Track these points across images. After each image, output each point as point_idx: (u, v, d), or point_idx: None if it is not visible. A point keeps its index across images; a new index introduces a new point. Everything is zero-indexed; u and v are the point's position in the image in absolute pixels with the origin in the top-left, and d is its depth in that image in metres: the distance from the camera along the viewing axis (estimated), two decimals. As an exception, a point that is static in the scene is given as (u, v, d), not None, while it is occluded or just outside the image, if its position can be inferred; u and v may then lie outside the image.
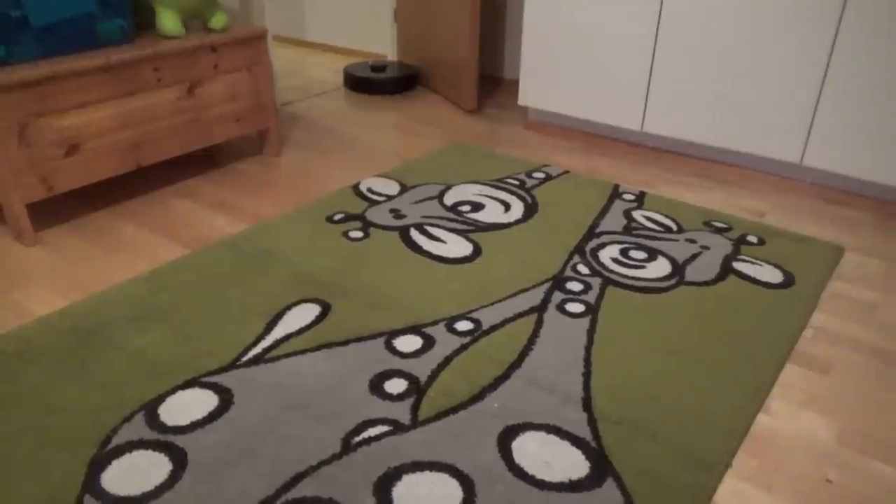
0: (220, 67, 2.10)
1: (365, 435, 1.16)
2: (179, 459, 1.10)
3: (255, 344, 1.39)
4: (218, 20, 2.10)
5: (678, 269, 1.70)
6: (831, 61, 2.01)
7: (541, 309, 1.52)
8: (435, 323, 1.46)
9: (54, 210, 1.99)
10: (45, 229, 1.89)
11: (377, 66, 3.27)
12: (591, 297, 1.57)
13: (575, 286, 1.61)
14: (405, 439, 1.15)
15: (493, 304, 1.54)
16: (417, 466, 1.10)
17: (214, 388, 1.26)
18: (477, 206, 2.01)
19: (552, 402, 1.24)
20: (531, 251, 1.77)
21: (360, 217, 1.93)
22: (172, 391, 1.25)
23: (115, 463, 1.10)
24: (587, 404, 1.24)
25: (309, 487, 1.05)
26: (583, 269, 1.69)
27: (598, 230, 1.89)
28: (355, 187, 2.13)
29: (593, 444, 1.15)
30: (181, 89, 2.01)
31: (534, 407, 1.23)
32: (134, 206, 2.02)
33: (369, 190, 2.11)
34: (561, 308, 1.53)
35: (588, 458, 1.12)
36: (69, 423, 1.18)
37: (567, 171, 2.28)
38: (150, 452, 1.12)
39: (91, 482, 1.06)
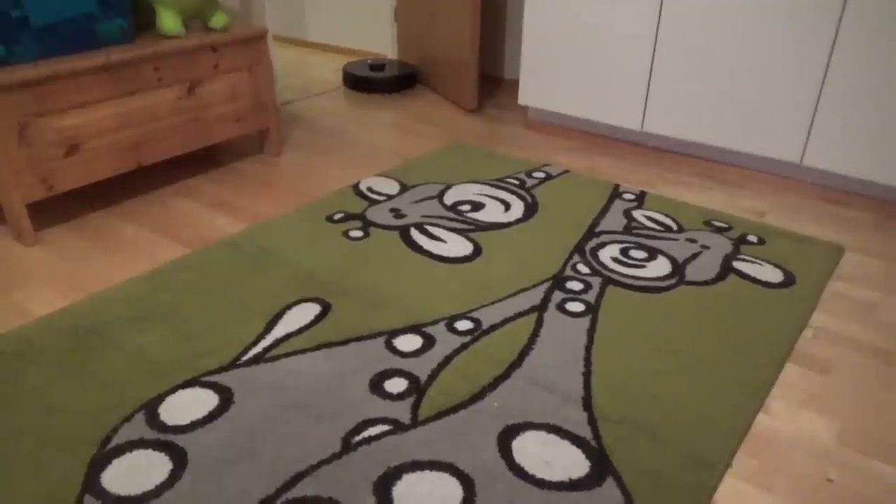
0: (220, 67, 2.10)
1: (365, 434, 1.16)
2: (180, 459, 1.10)
3: (255, 343, 1.39)
4: (218, 20, 2.10)
5: (678, 268, 1.70)
6: (831, 61, 2.01)
7: (541, 308, 1.52)
8: (435, 322, 1.46)
9: (54, 210, 1.99)
10: (45, 229, 1.89)
11: (376, 65, 3.28)
12: (591, 296, 1.57)
13: (575, 285, 1.61)
14: (405, 439, 1.15)
15: (493, 303, 1.54)
16: (417, 466, 1.10)
17: (214, 387, 1.26)
18: (477, 206, 2.01)
19: (552, 401, 1.24)
20: (531, 251, 1.77)
21: (361, 216, 1.93)
22: (173, 391, 1.25)
23: (115, 462, 1.10)
24: (587, 404, 1.24)
25: (309, 487, 1.05)
26: (583, 268, 1.69)
27: (598, 230, 1.89)
28: (355, 187, 2.13)
29: (593, 443, 1.15)
30: (181, 89, 2.01)
31: (534, 406, 1.23)
32: (134, 206, 2.02)
33: (369, 189, 2.11)
34: (561, 307, 1.53)
35: (588, 457, 1.12)
36: (69, 422, 1.18)
37: (567, 171, 2.28)
38: (150, 452, 1.12)
39: (91, 482, 1.06)
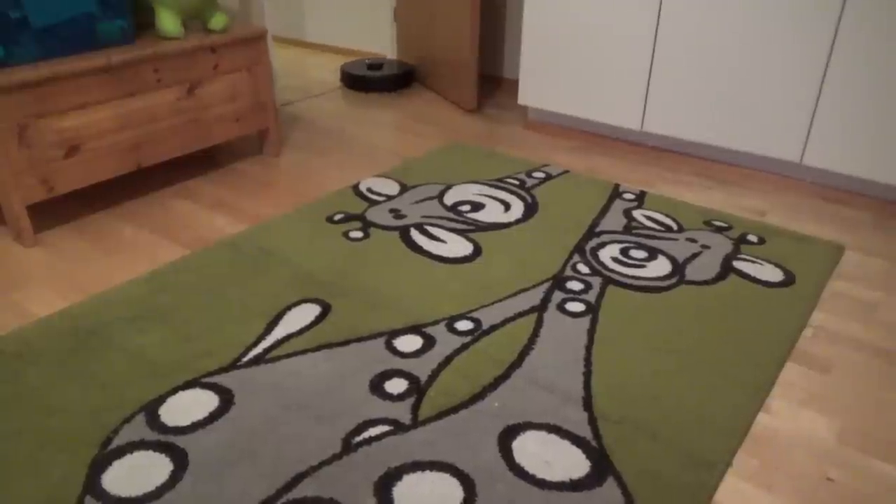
0: (219, 68, 2.10)
1: (365, 435, 1.16)
2: (180, 460, 1.10)
3: (255, 344, 1.39)
4: (218, 21, 2.10)
5: (678, 268, 1.70)
6: (831, 60, 2.01)
7: (541, 308, 1.52)
8: (435, 323, 1.46)
9: (54, 211, 1.99)
10: (45, 230, 1.89)
11: (374, 65, 3.29)
12: (591, 296, 1.57)
13: (575, 285, 1.61)
14: (406, 439, 1.15)
15: (493, 303, 1.54)
16: (418, 466, 1.10)
17: (215, 388, 1.26)
18: (477, 206, 2.01)
19: (553, 401, 1.24)
20: (531, 251, 1.77)
21: (360, 217, 1.93)
22: (173, 392, 1.25)
23: (115, 464, 1.10)
24: (587, 404, 1.24)
25: (309, 487, 1.05)
26: (583, 268, 1.69)
27: (598, 229, 1.89)
28: (355, 187, 2.13)
29: (594, 443, 1.15)
30: (181, 90, 2.02)
31: (534, 406, 1.23)
32: (134, 207, 2.02)
33: (369, 190, 2.11)
34: (561, 307, 1.53)
35: (588, 457, 1.12)
36: (69, 423, 1.18)
37: (567, 171, 2.28)
38: (150, 453, 1.12)
39: (92, 483, 1.06)
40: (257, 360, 1.34)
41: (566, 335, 1.43)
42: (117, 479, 1.07)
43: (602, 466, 1.10)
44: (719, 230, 1.89)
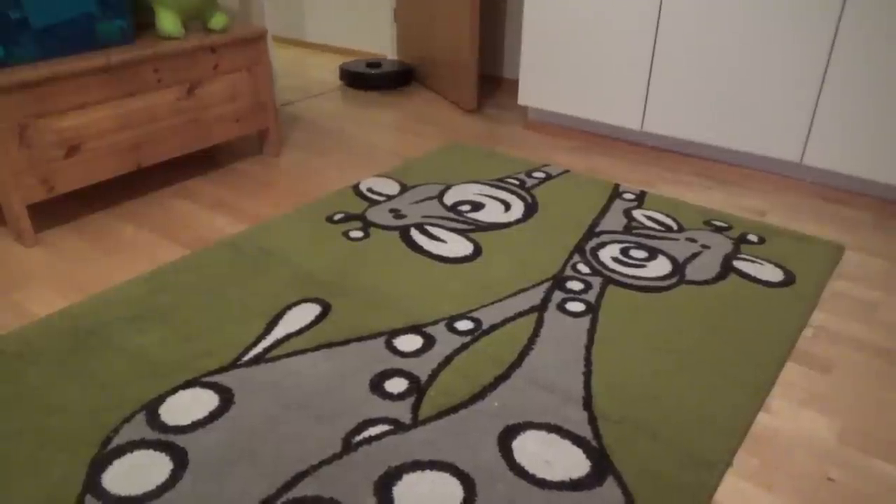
0: (219, 68, 2.10)
1: (365, 434, 1.16)
2: (180, 459, 1.10)
3: (255, 344, 1.39)
4: (218, 21, 2.11)
5: (678, 268, 1.70)
6: (831, 60, 2.01)
7: (541, 308, 1.52)
8: (435, 322, 1.46)
9: (54, 211, 1.99)
10: (45, 230, 1.89)
11: (372, 63, 3.30)
12: (591, 296, 1.57)
13: (575, 285, 1.61)
14: (406, 438, 1.15)
15: (493, 303, 1.54)
16: (418, 466, 1.10)
17: (215, 387, 1.26)
18: (477, 206, 2.01)
19: (553, 401, 1.24)
20: (531, 250, 1.77)
21: (361, 217, 1.93)
22: (173, 391, 1.25)
23: (116, 463, 1.10)
24: (588, 403, 1.24)
25: (310, 487, 1.05)
26: (583, 268, 1.69)
27: (598, 229, 1.89)
28: (355, 187, 2.13)
29: (594, 443, 1.15)
30: (181, 90, 2.02)
31: (534, 406, 1.23)
32: (134, 207, 2.02)
33: (369, 190, 2.11)
34: (561, 307, 1.53)
35: (589, 457, 1.12)
36: (69, 423, 1.18)
37: (567, 171, 2.28)
38: (151, 452, 1.12)
39: (92, 482, 1.06)
40: (257, 360, 1.34)
41: (566, 335, 1.43)
42: (117, 478, 1.07)
43: (602, 466, 1.10)
44: (719, 230, 1.89)
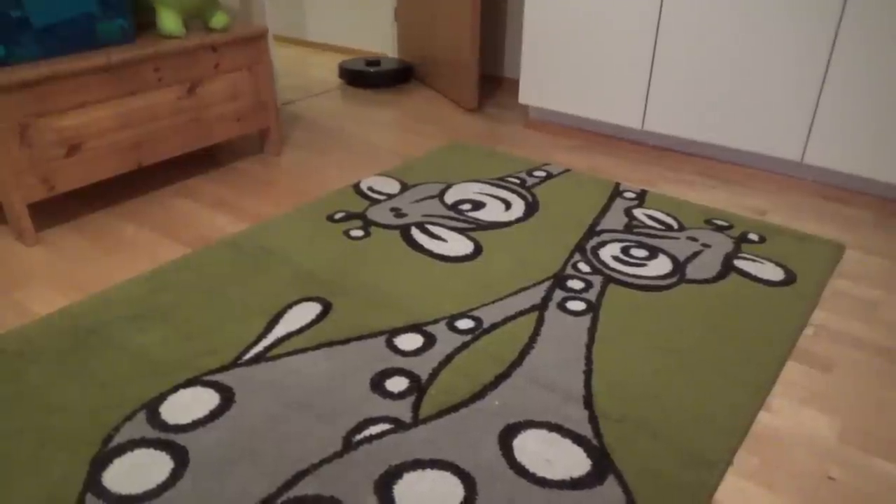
0: (220, 67, 2.10)
1: (366, 433, 1.16)
2: (181, 458, 1.10)
3: (256, 343, 1.39)
4: (218, 20, 2.11)
5: (679, 267, 1.70)
6: (832, 59, 2.01)
7: (542, 307, 1.52)
8: (436, 321, 1.46)
9: (55, 210, 2.00)
10: (45, 229, 1.89)
11: (371, 62, 3.31)
12: (592, 295, 1.57)
13: (576, 284, 1.61)
14: (406, 437, 1.15)
15: (494, 302, 1.54)
16: (418, 464, 1.10)
17: (216, 386, 1.26)
18: (478, 205, 2.01)
19: (553, 400, 1.24)
20: (532, 249, 1.77)
21: (361, 216, 1.93)
22: (174, 390, 1.25)
23: (116, 462, 1.10)
24: (588, 402, 1.24)
25: (310, 486, 1.05)
26: (584, 267, 1.69)
27: (598, 228, 1.88)
28: (356, 186, 2.13)
29: (594, 441, 1.15)
30: (182, 89, 2.02)
31: (535, 405, 1.23)
32: (135, 206, 2.02)
33: (370, 189, 2.11)
34: (562, 306, 1.53)
35: (589, 455, 1.12)
36: (70, 422, 1.18)
37: (568, 170, 2.28)
38: (151, 451, 1.12)
39: (92, 481, 1.06)
40: (258, 359, 1.34)
41: (567, 334, 1.43)
42: (118, 476, 1.07)
43: (603, 465, 1.10)
44: (720, 229, 1.89)
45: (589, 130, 2.69)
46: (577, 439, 1.15)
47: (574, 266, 1.69)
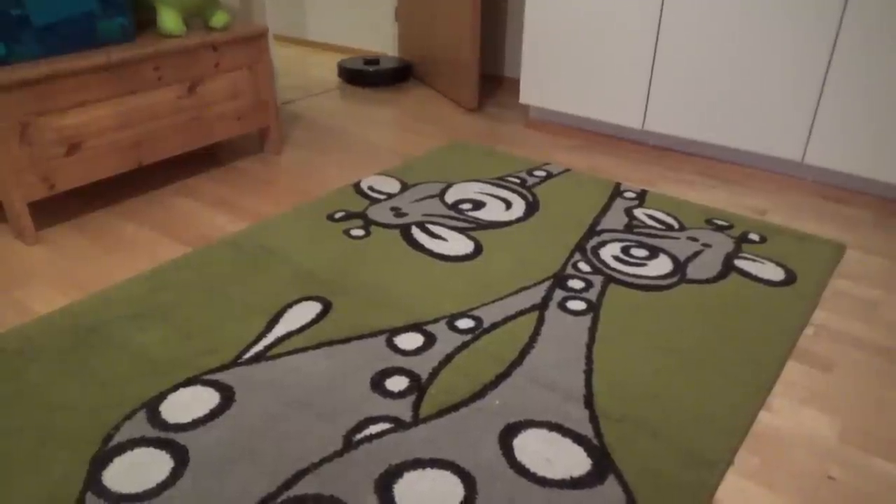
0: (220, 66, 2.10)
1: (366, 432, 1.16)
2: (181, 457, 1.10)
3: (256, 342, 1.39)
4: (219, 19, 2.10)
5: (680, 266, 1.70)
6: (832, 59, 2.01)
7: (542, 307, 1.52)
8: (436, 321, 1.46)
9: (55, 209, 1.99)
10: (46, 228, 1.89)
11: (370, 60, 3.31)
12: (592, 294, 1.57)
13: (576, 284, 1.61)
14: (406, 437, 1.15)
15: (494, 301, 1.54)
16: (419, 464, 1.10)
17: (216, 385, 1.26)
18: (478, 205, 2.01)
19: (553, 399, 1.24)
20: (532, 249, 1.77)
21: (361, 215, 1.93)
22: (174, 389, 1.25)
23: (116, 460, 1.10)
24: (589, 402, 1.24)
25: (310, 485, 1.05)
26: (584, 266, 1.69)
27: (599, 228, 1.88)
28: (356, 185, 2.12)
29: (595, 441, 1.15)
30: (182, 88, 2.01)
31: (535, 404, 1.23)
32: (135, 205, 2.02)
33: (370, 188, 2.11)
34: (562, 306, 1.53)
35: (590, 455, 1.12)
36: (70, 421, 1.18)
37: (568, 170, 2.28)
38: (151, 450, 1.12)
39: (93, 480, 1.06)
40: (258, 358, 1.34)
41: (567, 333, 1.43)
42: (118, 475, 1.07)
43: (603, 464, 1.10)
44: (720, 229, 1.89)
45: (589, 130, 2.69)
46: (578, 439, 1.15)
47: (574, 266, 1.69)
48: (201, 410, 1.20)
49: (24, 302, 1.55)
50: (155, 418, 1.18)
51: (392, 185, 2.13)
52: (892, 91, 1.94)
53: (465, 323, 1.46)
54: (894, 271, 1.72)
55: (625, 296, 1.57)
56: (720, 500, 1.06)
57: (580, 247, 1.78)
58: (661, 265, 1.70)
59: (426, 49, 3.19)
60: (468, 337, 1.41)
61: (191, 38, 2.00)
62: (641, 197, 2.08)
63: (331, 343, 1.39)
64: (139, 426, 1.17)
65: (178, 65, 1.98)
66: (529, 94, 2.69)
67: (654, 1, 2.25)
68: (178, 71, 1.99)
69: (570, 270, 1.67)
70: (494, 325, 1.45)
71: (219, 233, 1.86)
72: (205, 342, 1.38)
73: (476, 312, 1.50)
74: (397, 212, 1.95)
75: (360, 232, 1.84)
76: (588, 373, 1.31)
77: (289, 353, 1.36)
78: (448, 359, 1.34)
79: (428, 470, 1.09)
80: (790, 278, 1.65)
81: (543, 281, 1.63)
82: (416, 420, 1.19)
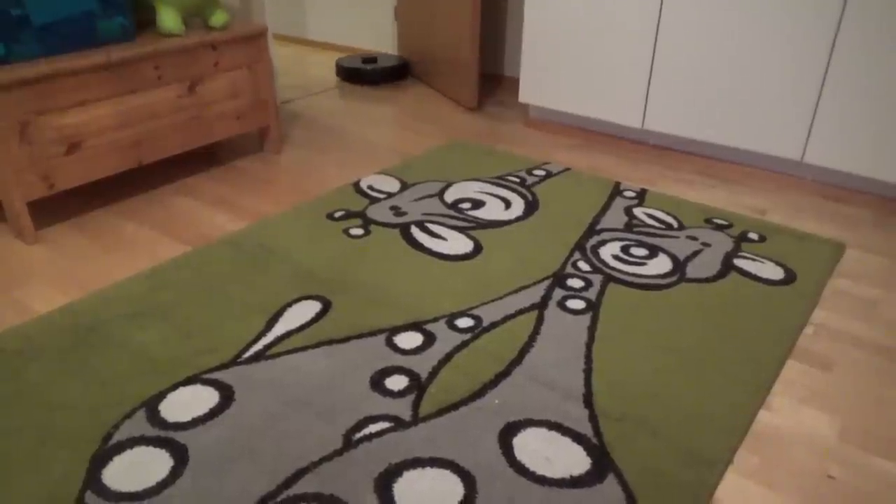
0: (220, 65, 2.10)
1: (366, 431, 1.16)
2: (180, 456, 1.10)
3: (255, 341, 1.39)
4: (218, 18, 2.10)
5: (679, 266, 1.70)
6: (832, 58, 2.01)
7: (541, 306, 1.52)
8: (436, 320, 1.46)
9: (55, 208, 1.99)
10: (45, 227, 1.89)
11: (368, 59, 3.32)
12: (591, 293, 1.57)
13: (576, 283, 1.61)
14: (406, 436, 1.15)
15: (493, 300, 1.54)
16: (418, 463, 1.10)
17: (215, 384, 1.26)
18: (477, 204, 2.01)
19: (553, 398, 1.24)
20: (532, 248, 1.77)
21: (361, 214, 1.93)
22: (173, 388, 1.25)
23: (116, 459, 1.10)
24: (588, 401, 1.24)
25: (310, 484, 1.05)
26: (583, 265, 1.69)
27: (598, 227, 1.88)
28: (356, 185, 2.12)
29: (594, 440, 1.15)
30: (182, 87, 2.01)
31: (535, 403, 1.23)
32: (135, 204, 2.02)
33: (370, 187, 2.11)
34: (562, 305, 1.53)
35: (589, 454, 1.12)
36: (70, 420, 1.18)
37: (568, 169, 2.28)
38: (151, 449, 1.12)
39: (92, 479, 1.06)
40: (258, 357, 1.34)
41: (567, 332, 1.43)
42: (118, 474, 1.07)
43: (603, 463, 1.10)
44: (720, 228, 1.89)
45: (589, 129, 2.69)
46: (577, 438, 1.15)
47: (574, 265, 1.69)
48: (201, 409, 1.20)
49: (24, 301, 1.55)
50: (154, 417, 1.18)
51: (391, 185, 2.13)
52: (891, 90, 1.94)
53: (464, 322, 1.46)
54: (894, 270, 1.72)
55: (624, 295, 1.57)
56: (720, 499, 1.07)
57: (580, 246, 1.78)
58: (661, 264, 1.70)
59: (426, 48, 3.18)
60: (468, 336, 1.41)
61: (190, 38, 2.00)
62: (641, 196, 2.08)
63: (330, 342, 1.39)
64: (139, 425, 1.17)
65: (177, 64, 1.98)
66: (529, 93, 2.69)
67: (654, 0, 2.25)
68: (177, 70, 1.99)
69: (569, 269, 1.67)
70: (494, 324, 1.45)
71: (218, 232, 1.86)
72: (204, 341, 1.38)
73: (475, 311, 1.50)
74: (397, 211, 1.95)
75: (360, 231, 1.84)
76: (587, 372, 1.31)
77: (288, 352, 1.36)
78: (448, 358, 1.34)
79: (427, 469, 1.09)
80: (790, 277, 1.65)
81: (543, 280, 1.63)
82: (416, 419, 1.19)
